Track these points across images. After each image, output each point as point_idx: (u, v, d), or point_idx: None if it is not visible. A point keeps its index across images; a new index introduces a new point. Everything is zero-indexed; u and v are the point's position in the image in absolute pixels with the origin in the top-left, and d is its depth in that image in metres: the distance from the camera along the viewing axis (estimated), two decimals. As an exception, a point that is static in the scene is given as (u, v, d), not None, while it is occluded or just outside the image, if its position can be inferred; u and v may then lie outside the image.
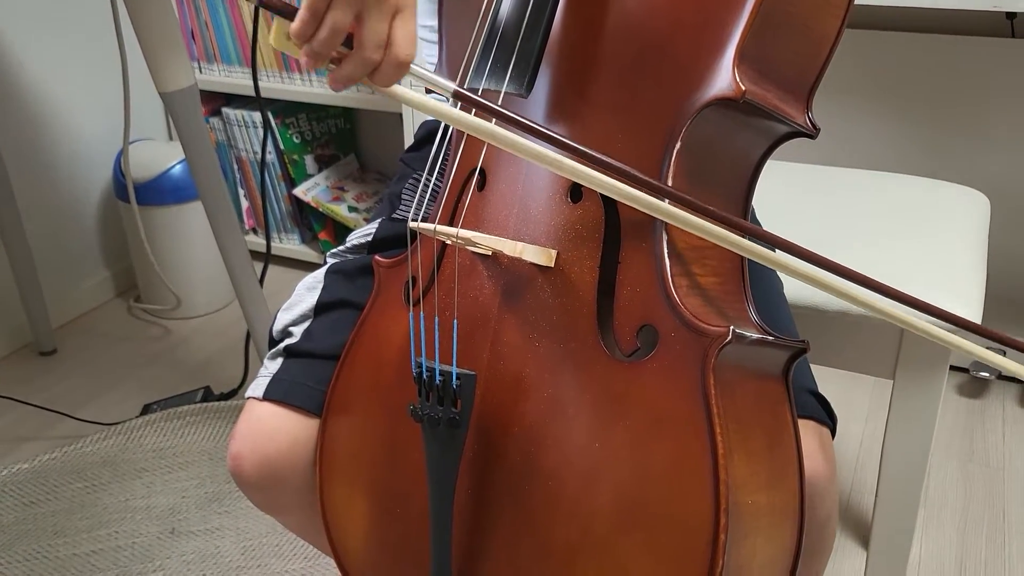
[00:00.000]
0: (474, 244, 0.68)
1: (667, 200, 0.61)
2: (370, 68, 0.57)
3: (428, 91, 0.85)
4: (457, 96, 0.60)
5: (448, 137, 0.77)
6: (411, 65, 0.57)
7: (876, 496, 1.09)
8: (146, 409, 1.73)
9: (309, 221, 2.29)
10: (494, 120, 0.60)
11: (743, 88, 0.61)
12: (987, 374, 1.68)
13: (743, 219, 0.69)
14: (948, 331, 0.68)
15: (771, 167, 0.70)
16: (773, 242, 0.64)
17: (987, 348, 0.68)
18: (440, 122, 0.76)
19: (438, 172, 0.78)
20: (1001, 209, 1.28)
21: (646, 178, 0.60)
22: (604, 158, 0.60)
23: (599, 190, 0.61)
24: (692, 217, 0.61)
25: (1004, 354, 0.70)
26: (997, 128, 1.61)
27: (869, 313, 0.94)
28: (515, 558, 0.66)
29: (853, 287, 0.64)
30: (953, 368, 1.77)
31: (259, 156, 2.16)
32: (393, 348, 0.75)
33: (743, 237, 0.63)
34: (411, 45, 0.57)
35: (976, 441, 1.63)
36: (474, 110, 0.61)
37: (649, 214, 0.61)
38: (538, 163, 0.60)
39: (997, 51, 1.57)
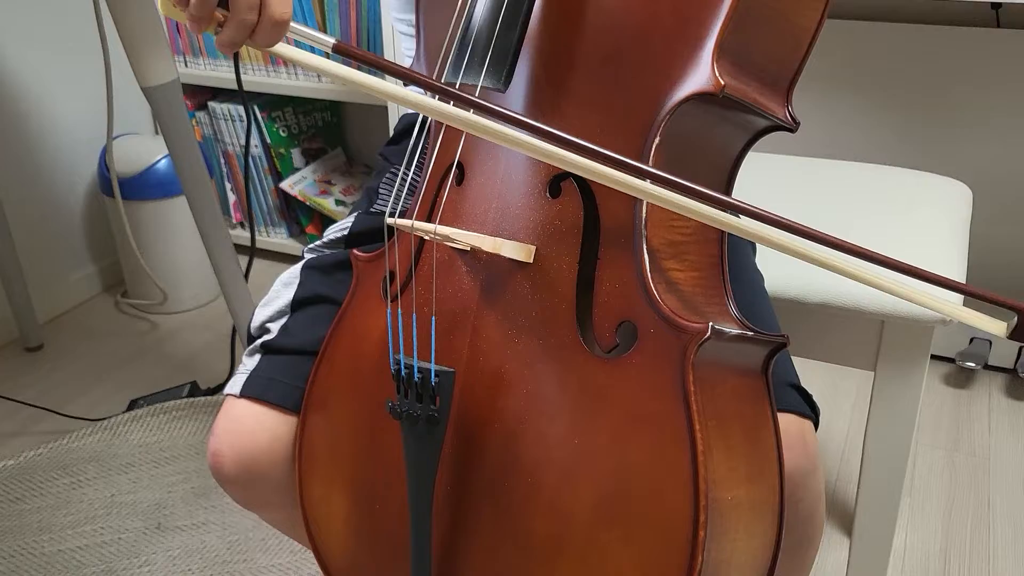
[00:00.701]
0: (452, 240, 0.68)
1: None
2: (249, 29, 0.57)
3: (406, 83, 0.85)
4: (337, 50, 0.59)
5: (426, 130, 0.76)
6: (291, 24, 0.58)
7: (859, 487, 1.10)
8: (132, 404, 1.73)
9: (296, 215, 2.28)
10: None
11: (722, 83, 0.61)
12: (973, 364, 1.69)
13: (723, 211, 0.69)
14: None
15: (754, 159, 0.70)
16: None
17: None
18: (418, 115, 0.75)
19: (416, 166, 0.77)
20: (984, 200, 1.29)
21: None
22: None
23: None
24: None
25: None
26: (981, 119, 1.61)
27: (851, 293, 0.94)
28: (495, 553, 0.66)
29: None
30: (939, 358, 1.78)
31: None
32: (372, 343, 0.75)
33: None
34: (286, 3, 0.57)
35: (962, 431, 1.64)
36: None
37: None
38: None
39: (982, 41, 1.57)
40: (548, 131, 0.59)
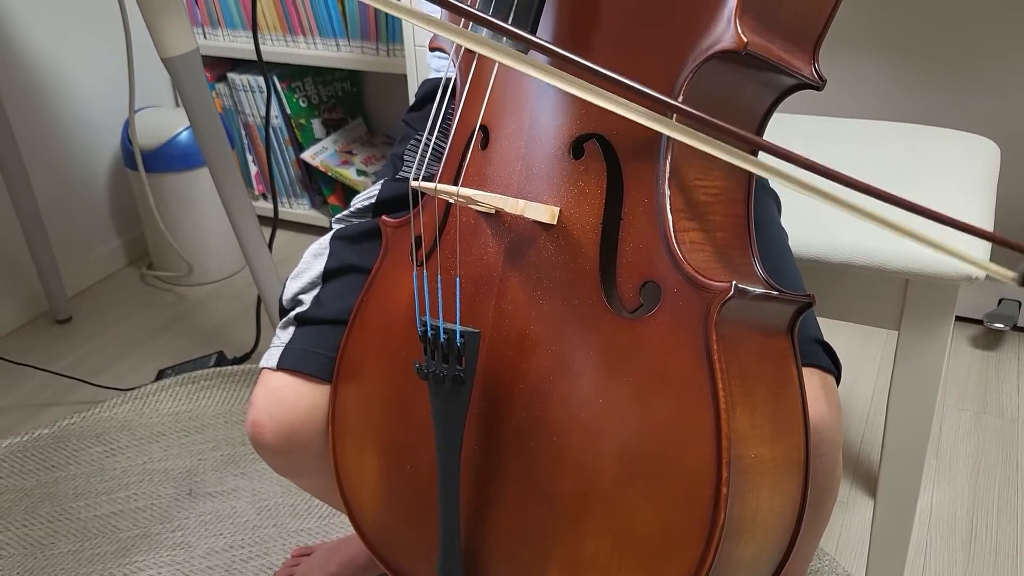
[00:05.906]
0: (476, 203, 0.68)
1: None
2: None
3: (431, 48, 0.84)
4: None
5: (449, 95, 0.76)
6: None
7: (883, 447, 1.09)
8: (161, 374, 1.76)
9: (318, 185, 2.29)
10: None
11: (745, 40, 0.60)
12: (1001, 325, 1.67)
13: (749, 176, 0.68)
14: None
15: (778, 119, 0.69)
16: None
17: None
18: (440, 81, 0.75)
19: (441, 132, 0.77)
20: (1012, 156, 1.27)
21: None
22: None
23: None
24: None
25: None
26: (1009, 75, 1.58)
27: (875, 251, 0.93)
28: (521, 511, 0.67)
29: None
30: (967, 320, 1.77)
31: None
32: (401, 307, 0.76)
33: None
34: None
35: (990, 392, 1.63)
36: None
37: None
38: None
39: (1011, -4, 1.54)
40: (577, 60, 0.57)
